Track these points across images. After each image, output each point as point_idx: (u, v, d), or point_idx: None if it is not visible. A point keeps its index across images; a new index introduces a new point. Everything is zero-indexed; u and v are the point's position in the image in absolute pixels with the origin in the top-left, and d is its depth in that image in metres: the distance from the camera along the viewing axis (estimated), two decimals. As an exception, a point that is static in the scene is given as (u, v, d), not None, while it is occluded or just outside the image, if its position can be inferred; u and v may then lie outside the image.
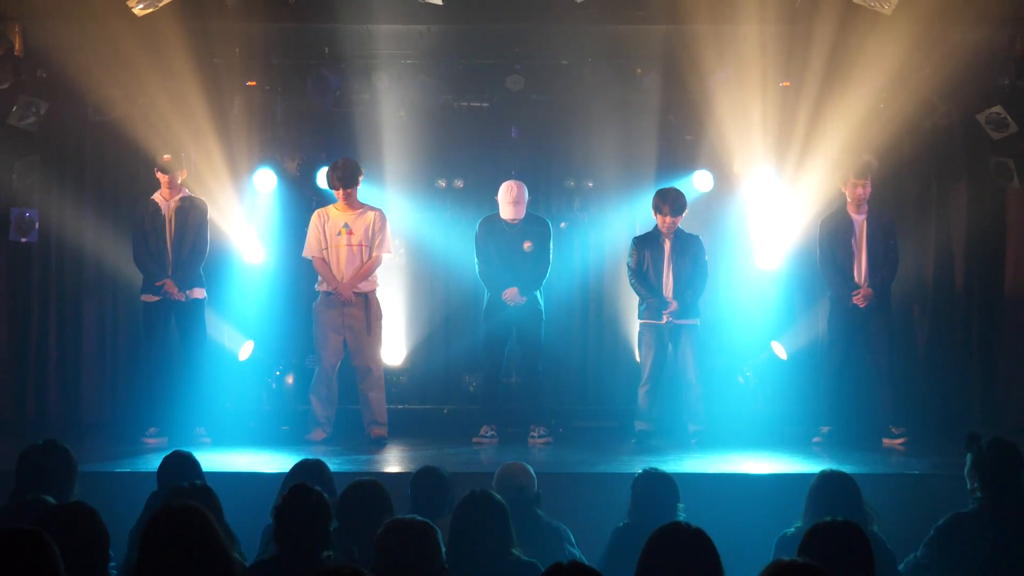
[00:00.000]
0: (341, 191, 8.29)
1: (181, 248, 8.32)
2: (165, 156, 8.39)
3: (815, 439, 8.28)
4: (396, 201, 9.31)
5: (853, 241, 8.32)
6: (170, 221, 8.33)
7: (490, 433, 8.35)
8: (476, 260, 8.53)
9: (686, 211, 8.35)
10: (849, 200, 8.39)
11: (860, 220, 8.34)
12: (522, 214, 8.44)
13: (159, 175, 8.36)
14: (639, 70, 9.48)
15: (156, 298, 8.29)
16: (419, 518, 3.91)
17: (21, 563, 3.15)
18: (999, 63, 8.99)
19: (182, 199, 8.39)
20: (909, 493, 6.49)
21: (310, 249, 8.42)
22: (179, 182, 8.40)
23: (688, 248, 8.34)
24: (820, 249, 8.51)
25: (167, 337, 8.41)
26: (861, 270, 8.33)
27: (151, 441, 8.19)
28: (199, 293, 8.40)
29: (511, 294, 8.30)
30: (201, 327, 8.45)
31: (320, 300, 8.40)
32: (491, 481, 5.25)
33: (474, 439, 8.33)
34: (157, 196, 8.41)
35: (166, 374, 8.37)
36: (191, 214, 8.37)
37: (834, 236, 8.39)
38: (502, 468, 5.33)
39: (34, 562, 3.17)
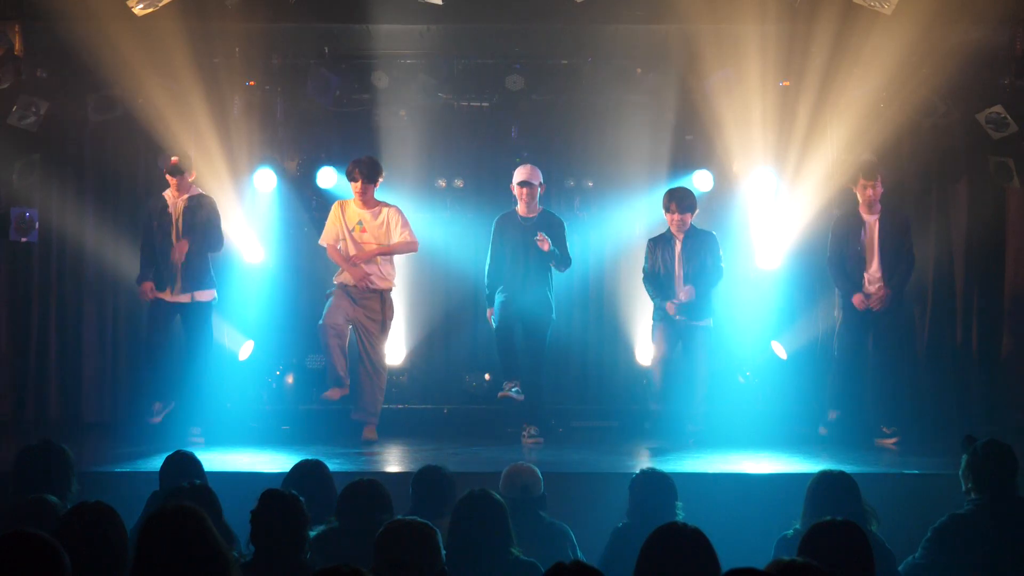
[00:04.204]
0: (359, 183, 8.23)
1: (192, 248, 8.20)
2: (172, 159, 8.28)
3: (821, 429, 8.26)
4: (396, 201, 9.27)
5: (863, 243, 8.22)
6: (177, 221, 8.25)
7: (514, 389, 8.30)
8: (487, 257, 8.47)
9: (696, 209, 8.22)
10: (860, 201, 8.29)
11: (872, 221, 8.23)
12: (534, 182, 8.31)
13: (168, 177, 8.29)
14: (639, 70, 9.49)
15: (158, 294, 8.24)
16: (419, 519, 3.91)
17: (30, 569, 3.14)
18: (999, 63, 8.99)
19: (190, 199, 8.29)
20: (908, 493, 6.48)
21: (326, 237, 8.38)
22: (189, 182, 8.31)
23: (701, 246, 8.16)
24: (830, 249, 8.44)
25: (168, 334, 8.34)
26: (871, 272, 8.23)
27: (157, 420, 8.13)
28: (205, 296, 8.29)
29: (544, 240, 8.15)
30: (205, 330, 8.35)
31: (336, 290, 8.34)
32: (490, 481, 5.25)
33: (500, 393, 8.30)
34: (167, 193, 8.32)
35: (164, 371, 8.33)
36: (198, 214, 8.26)
37: (844, 237, 8.30)
38: (509, 468, 5.34)
39: (43, 569, 3.16)
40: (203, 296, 8.30)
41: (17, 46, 8.89)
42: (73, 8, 8.57)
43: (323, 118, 9.66)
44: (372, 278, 8.31)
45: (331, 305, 8.29)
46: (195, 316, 8.30)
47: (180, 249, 8.15)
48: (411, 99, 9.53)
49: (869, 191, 8.20)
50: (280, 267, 9.53)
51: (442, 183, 9.76)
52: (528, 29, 9.30)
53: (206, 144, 9.02)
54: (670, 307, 8.14)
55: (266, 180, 9.44)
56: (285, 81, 9.52)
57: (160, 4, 8.29)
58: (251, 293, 9.40)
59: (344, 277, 8.32)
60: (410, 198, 9.50)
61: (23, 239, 9.18)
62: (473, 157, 9.77)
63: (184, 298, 8.24)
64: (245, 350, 9.39)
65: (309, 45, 9.38)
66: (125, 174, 9.36)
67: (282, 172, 9.57)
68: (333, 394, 8.24)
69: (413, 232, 8.41)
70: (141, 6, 8.27)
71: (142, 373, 8.68)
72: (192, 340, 8.35)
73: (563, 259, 8.31)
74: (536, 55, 9.52)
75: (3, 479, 5.45)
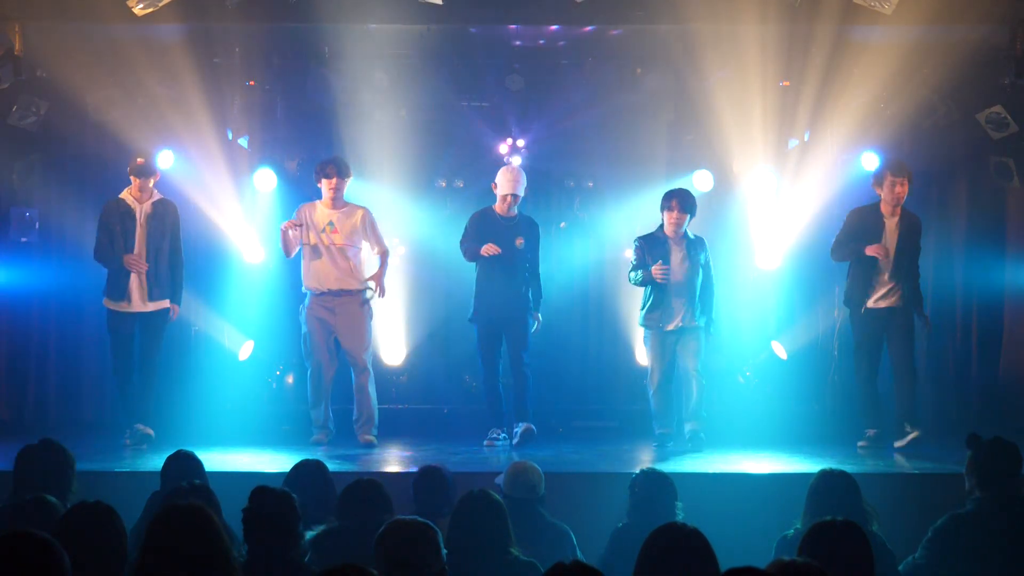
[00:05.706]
0: (334, 180, 8.13)
1: (158, 255, 8.12)
2: (139, 159, 8.19)
3: (860, 443, 8.00)
4: (396, 201, 9.32)
5: (883, 241, 7.93)
6: (143, 226, 8.13)
7: (502, 435, 8.25)
8: (461, 242, 8.30)
9: (695, 214, 8.07)
10: (884, 199, 7.99)
11: (892, 221, 7.97)
12: (520, 193, 8.24)
13: (132, 177, 8.17)
14: (639, 70, 9.49)
15: (118, 307, 8.11)
16: (420, 519, 3.92)
17: (30, 569, 3.14)
18: (999, 63, 8.99)
19: (154, 203, 8.18)
20: (909, 493, 6.49)
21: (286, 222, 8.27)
22: (151, 185, 8.20)
23: (696, 251, 8.02)
24: (839, 236, 8.14)
25: (133, 347, 8.19)
26: (884, 275, 7.93)
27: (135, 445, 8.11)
28: (166, 304, 8.18)
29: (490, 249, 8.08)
30: (161, 337, 8.24)
31: (309, 302, 8.29)
32: (490, 481, 5.26)
33: (485, 442, 8.24)
34: (127, 196, 8.20)
35: (137, 389, 8.21)
36: (166, 220, 8.16)
37: (859, 231, 7.99)
38: (512, 466, 5.32)
39: (43, 569, 3.16)
40: (163, 304, 8.17)
41: (17, 46, 8.89)
42: (73, 8, 8.58)
43: (323, 118, 9.64)
44: (347, 279, 8.20)
45: (312, 340, 8.19)
46: (153, 323, 8.16)
47: (139, 263, 8.06)
48: (411, 99, 9.52)
49: (898, 188, 7.89)
50: (280, 267, 9.51)
51: (442, 183, 9.75)
52: (528, 29, 9.30)
53: (206, 144, 9.03)
54: (656, 271, 7.93)
55: (266, 180, 9.43)
56: (285, 81, 9.52)
57: (160, 4, 8.28)
58: (251, 293, 9.39)
59: (312, 283, 8.19)
60: (410, 198, 9.52)
61: (23, 239, 9.18)
62: (473, 157, 9.76)
63: (148, 307, 8.10)
64: (245, 350, 9.39)
65: (309, 45, 9.38)
66: (125, 174, 9.32)
67: (282, 172, 9.56)
68: (322, 438, 8.21)
69: (382, 237, 8.31)
70: (141, 6, 8.27)
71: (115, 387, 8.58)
72: (148, 346, 8.19)
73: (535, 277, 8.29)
74: (536, 55, 9.52)
75: (3, 479, 5.45)
